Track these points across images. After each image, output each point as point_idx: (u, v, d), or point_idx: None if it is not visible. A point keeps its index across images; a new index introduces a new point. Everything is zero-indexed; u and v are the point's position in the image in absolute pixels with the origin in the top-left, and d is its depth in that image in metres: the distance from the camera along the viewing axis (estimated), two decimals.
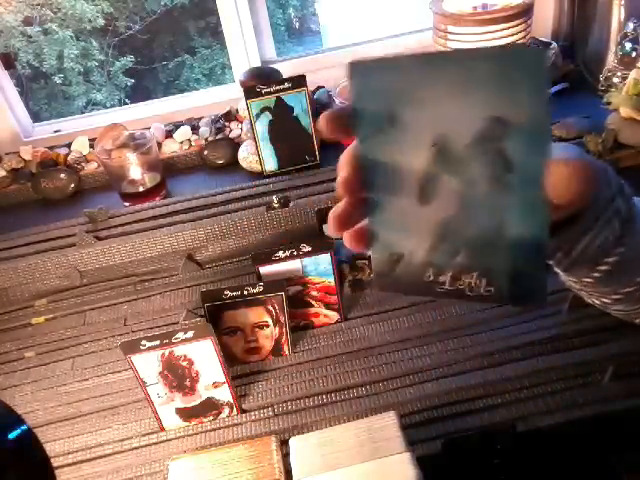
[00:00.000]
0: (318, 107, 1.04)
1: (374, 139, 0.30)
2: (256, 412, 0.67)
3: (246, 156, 1.00)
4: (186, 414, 0.66)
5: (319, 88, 1.12)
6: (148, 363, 0.62)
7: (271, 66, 1.12)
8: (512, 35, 0.86)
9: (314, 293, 0.75)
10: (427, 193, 0.30)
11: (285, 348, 0.73)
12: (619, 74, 0.98)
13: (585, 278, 0.40)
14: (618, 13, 0.99)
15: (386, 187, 0.30)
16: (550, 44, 1.08)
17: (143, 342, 0.61)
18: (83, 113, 1.45)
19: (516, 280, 0.30)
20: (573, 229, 0.35)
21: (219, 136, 1.08)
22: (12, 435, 0.38)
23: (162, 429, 0.66)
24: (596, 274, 0.38)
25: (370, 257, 0.33)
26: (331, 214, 0.32)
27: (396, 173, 0.30)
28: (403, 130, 0.29)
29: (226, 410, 0.67)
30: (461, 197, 0.29)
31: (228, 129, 1.10)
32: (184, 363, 0.63)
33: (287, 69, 1.09)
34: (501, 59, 0.26)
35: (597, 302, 0.45)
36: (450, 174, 0.29)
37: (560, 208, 0.33)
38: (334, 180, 0.32)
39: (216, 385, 0.65)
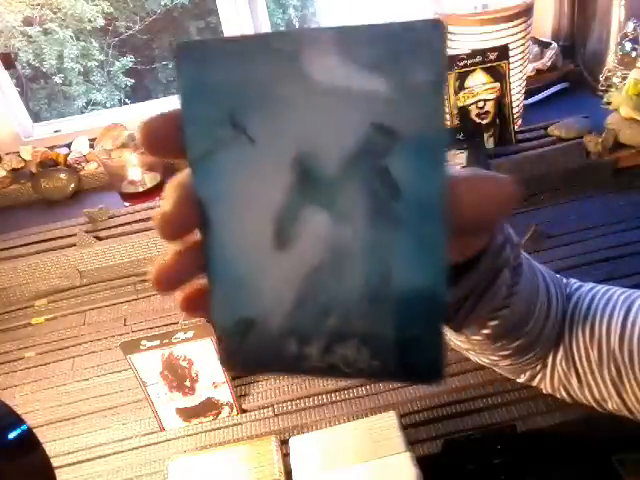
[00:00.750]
0: None
1: (212, 159, 0.21)
2: (256, 412, 0.67)
3: None
4: (186, 414, 0.66)
5: None
6: (148, 363, 0.62)
7: None
8: (512, 35, 0.86)
9: None
10: (285, 234, 0.21)
11: None
12: (619, 74, 0.98)
13: (475, 336, 0.37)
14: (618, 13, 0.99)
15: (228, 227, 0.22)
16: (550, 44, 1.08)
17: (143, 342, 0.61)
18: (83, 113, 1.45)
19: (407, 348, 0.22)
20: (472, 277, 0.30)
21: None
22: (12, 435, 0.38)
23: (162, 429, 0.66)
24: (487, 330, 0.36)
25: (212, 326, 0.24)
26: (154, 268, 0.23)
27: (242, 207, 0.22)
28: (252, 145, 0.21)
29: (226, 410, 0.67)
30: (331, 237, 0.21)
31: None
32: (184, 363, 0.63)
33: None
34: (384, 42, 0.19)
35: (485, 360, 0.45)
36: (316, 206, 0.21)
37: (462, 246, 0.28)
38: None
39: (216, 385, 0.65)
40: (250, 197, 0.21)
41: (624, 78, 0.95)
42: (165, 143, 0.23)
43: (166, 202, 0.23)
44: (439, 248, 0.21)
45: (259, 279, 0.22)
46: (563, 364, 0.43)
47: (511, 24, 0.86)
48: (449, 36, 0.89)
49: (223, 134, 0.21)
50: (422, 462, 0.52)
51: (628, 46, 0.97)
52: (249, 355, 0.23)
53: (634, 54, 0.97)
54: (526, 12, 0.86)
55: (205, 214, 0.22)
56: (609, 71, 1.00)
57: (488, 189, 0.23)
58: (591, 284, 0.45)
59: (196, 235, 0.23)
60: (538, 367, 0.45)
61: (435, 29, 0.19)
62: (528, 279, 0.36)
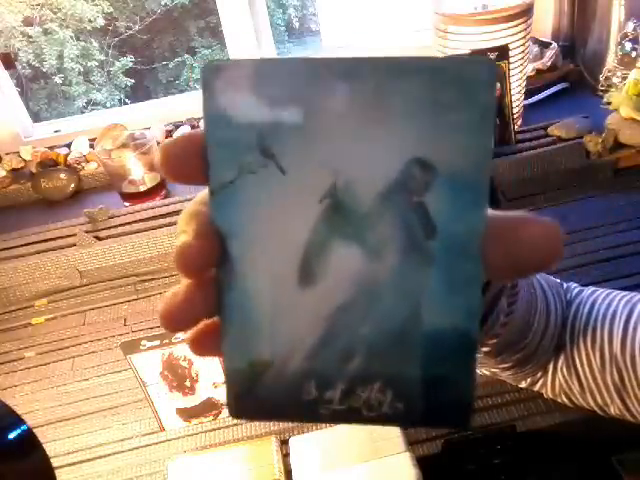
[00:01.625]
0: None
1: (235, 187, 0.20)
2: None
3: None
4: (186, 414, 0.66)
5: None
6: (148, 363, 0.62)
7: None
8: (512, 35, 0.86)
9: None
10: (311, 270, 0.20)
11: None
12: (619, 74, 0.98)
13: None
14: (618, 13, 0.99)
15: (249, 261, 0.21)
16: (550, 44, 1.08)
17: (143, 342, 0.61)
18: (83, 113, 1.45)
19: (433, 392, 0.21)
20: (496, 310, 0.31)
21: None
22: (12, 435, 0.38)
23: (162, 429, 0.66)
24: (485, 348, 0.36)
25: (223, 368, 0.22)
26: (161, 306, 0.21)
27: (265, 240, 0.20)
28: (280, 174, 0.20)
29: (226, 410, 0.67)
30: (360, 274, 0.20)
31: None
32: (184, 363, 0.63)
33: None
34: (432, 76, 0.19)
35: (486, 372, 0.45)
36: (346, 241, 0.20)
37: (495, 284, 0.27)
38: None
39: (216, 385, 0.65)
40: (275, 230, 0.20)
41: (624, 78, 0.95)
42: (186, 168, 0.21)
43: (186, 234, 0.21)
44: (473, 288, 0.20)
45: (279, 318, 0.21)
46: (564, 370, 0.43)
47: (511, 24, 0.86)
48: (449, 36, 0.89)
49: (250, 161, 0.20)
50: (422, 462, 0.52)
51: (628, 46, 0.97)
52: (261, 400, 0.22)
53: (634, 54, 0.97)
54: (526, 12, 0.86)
55: (223, 247, 0.20)
56: (609, 71, 1.00)
57: (531, 236, 0.21)
58: (592, 288, 0.44)
59: (211, 269, 0.21)
60: (539, 374, 0.45)
61: (487, 69, 0.19)
62: (525, 292, 0.36)
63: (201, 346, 0.23)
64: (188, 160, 0.21)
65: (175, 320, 0.21)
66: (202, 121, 0.20)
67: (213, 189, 0.21)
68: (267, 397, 0.22)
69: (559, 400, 0.47)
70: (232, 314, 0.21)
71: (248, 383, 0.22)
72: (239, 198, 0.20)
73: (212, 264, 0.21)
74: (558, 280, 0.44)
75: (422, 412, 0.21)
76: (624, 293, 0.42)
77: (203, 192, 0.22)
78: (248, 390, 0.22)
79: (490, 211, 0.20)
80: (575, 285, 0.45)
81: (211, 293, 0.21)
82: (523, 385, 0.47)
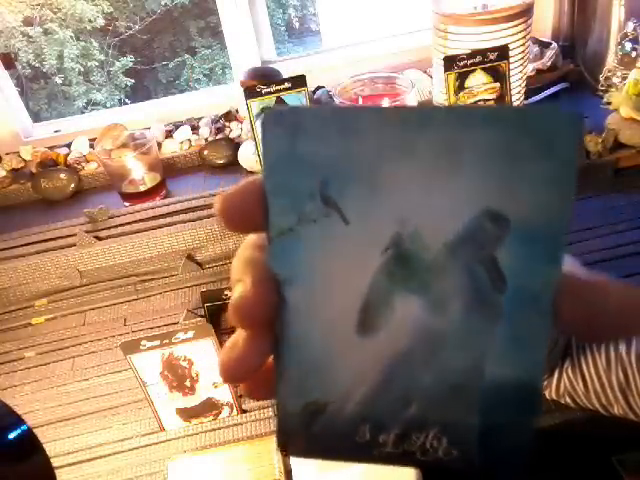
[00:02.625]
0: None
1: (295, 235, 0.20)
2: (256, 412, 0.67)
3: (246, 156, 1.00)
4: (186, 414, 0.66)
5: (319, 88, 1.12)
6: (148, 363, 0.62)
7: (271, 66, 1.12)
8: (512, 35, 0.86)
9: None
10: (372, 319, 0.20)
11: None
12: (619, 74, 0.98)
13: None
14: (618, 13, 0.99)
15: (307, 309, 0.20)
16: (550, 44, 1.08)
17: (143, 342, 0.61)
18: (83, 113, 1.45)
19: (491, 441, 0.20)
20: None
21: (219, 136, 1.08)
22: (12, 435, 0.38)
23: (162, 429, 0.66)
24: None
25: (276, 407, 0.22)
26: (223, 359, 0.21)
27: (325, 288, 0.20)
28: (343, 223, 0.19)
29: (226, 410, 0.67)
30: (423, 325, 0.20)
31: (228, 129, 1.10)
32: (184, 363, 0.63)
33: (287, 69, 1.09)
34: (510, 126, 0.18)
35: None
36: (409, 292, 0.20)
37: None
38: None
39: (216, 385, 0.65)
40: (336, 278, 0.20)
41: (624, 78, 0.95)
42: (247, 218, 0.20)
43: (243, 284, 0.20)
44: (539, 343, 0.19)
45: (337, 364, 0.21)
46: (569, 371, 0.43)
47: (511, 24, 0.86)
48: (449, 36, 0.89)
49: (311, 210, 0.19)
50: None
51: (628, 46, 0.97)
52: (314, 440, 0.22)
53: (634, 54, 0.97)
54: (526, 12, 0.86)
55: (281, 295, 0.20)
56: (609, 71, 1.00)
57: (609, 301, 0.20)
58: None
59: (270, 318, 0.21)
60: (544, 375, 0.45)
61: (572, 122, 0.18)
62: None
63: (256, 390, 0.23)
64: (248, 210, 0.20)
65: (237, 374, 0.21)
66: (261, 169, 0.20)
67: (272, 236, 0.20)
68: (319, 437, 0.22)
69: (562, 401, 0.47)
70: (288, 359, 0.21)
71: (301, 424, 0.22)
72: (299, 246, 0.20)
73: (271, 313, 0.20)
74: None
75: (478, 460, 0.21)
76: None
77: (252, 236, 0.22)
78: (301, 431, 0.22)
79: (569, 269, 0.20)
80: None
81: (269, 341, 0.21)
82: None
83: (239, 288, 0.20)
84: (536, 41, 1.09)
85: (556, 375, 0.45)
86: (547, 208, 0.18)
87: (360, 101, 0.93)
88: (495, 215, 0.18)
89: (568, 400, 0.46)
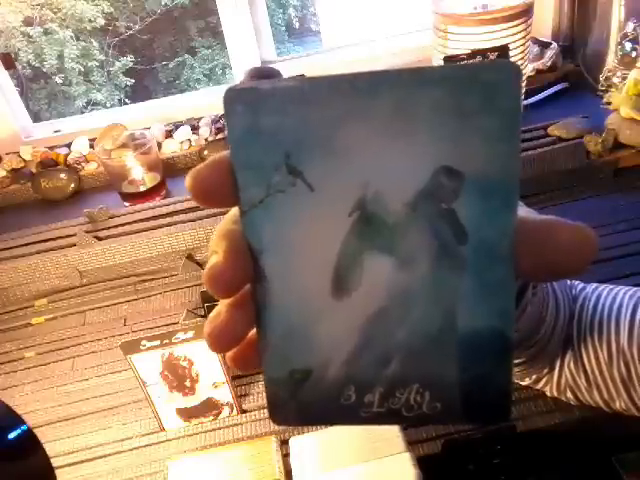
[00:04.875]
0: None
1: (265, 206, 0.21)
2: (256, 412, 0.67)
3: None
4: (186, 414, 0.66)
5: None
6: (148, 363, 0.62)
7: (271, 66, 1.12)
8: (512, 35, 0.86)
9: None
10: (345, 281, 0.21)
11: None
12: (619, 74, 0.98)
13: None
14: (618, 13, 0.99)
15: (283, 277, 0.21)
16: (550, 44, 1.08)
17: (143, 342, 0.61)
18: (83, 113, 1.45)
19: (471, 390, 0.22)
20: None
21: (219, 136, 1.08)
22: (12, 435, 0.38)
23: (162, 429, 0.66)
24: None
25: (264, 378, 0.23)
26: (207, 329, 0.22)
27: (298, 255, 0.21)
28: (309, 190, 0.20)
29: (226, 410, 0.67)
30: (393, 283, 0.21)
31: None
32: (184, 363, 0.63)
33: (287, 69, 1.09)
34: (453, 84, 0.19)
35: None
36: (378, 251, 0.21)
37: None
38: None
39: (216, 385, 0.65)
40: (307, 245, 0.21)
41: (624, 78, 0.94)
42: (216, 192, 0.21)
43: (216, 255, 0.21)
44: (506, 290, 0.20)
45: (316, 329, 0.22)
46: (571, 366, 0.43)
47: (511, 24, 0.86)
48: (449, 36, 0.89)
49: (279, 181, 0.20)
50: (422, 462, 0.52)
51: (628, 46, 0.97)
52: (303, 406, 0.23)
53: (634, 54, 0.96)
54: (526, 12, 0.86)
55: (257, 265, 0.21)
56: (609, 71, 1.00)
57: (566, 241, 0.21)
58: (594, 284, 0.45)
59: (247, 286, 0.22)
60: (545, 371, 0.45)
61: (510, 72, 0.19)
62: (538, 287, 0.36)
63: (242, 361, 0.23)
64: (217, 183, 0.21)
65: (222, 342, 0.22)
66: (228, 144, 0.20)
67: (243, 209, 0.21)
68: (308, 404, 0.22)
69: (563, 398, 0.47)
70: (270, 328, 0.22)
71: (289, 392, 0.22)
72: (270, 216, 0.21)
73: (245, 282, 0.21)
74: None
75: (461, 410, 0.22)
76: (627, 288, 0.43)
77: (232, 211, 0.23)
78: (289, 398, 0.22)
79: (521, 214, 0.20)
80: (578, 282, 0.46)
81: (249, 311, 0.22)
82: (527, 382, 0.47)
83: (213, 259, 0.21)
84: (536, 41, 1.09)
85: (557, 370, 0.45)
86: (497, 159, 0.19)
87: None
88: (449, 171, 0.19)
89: (570, 396, 0.46)
